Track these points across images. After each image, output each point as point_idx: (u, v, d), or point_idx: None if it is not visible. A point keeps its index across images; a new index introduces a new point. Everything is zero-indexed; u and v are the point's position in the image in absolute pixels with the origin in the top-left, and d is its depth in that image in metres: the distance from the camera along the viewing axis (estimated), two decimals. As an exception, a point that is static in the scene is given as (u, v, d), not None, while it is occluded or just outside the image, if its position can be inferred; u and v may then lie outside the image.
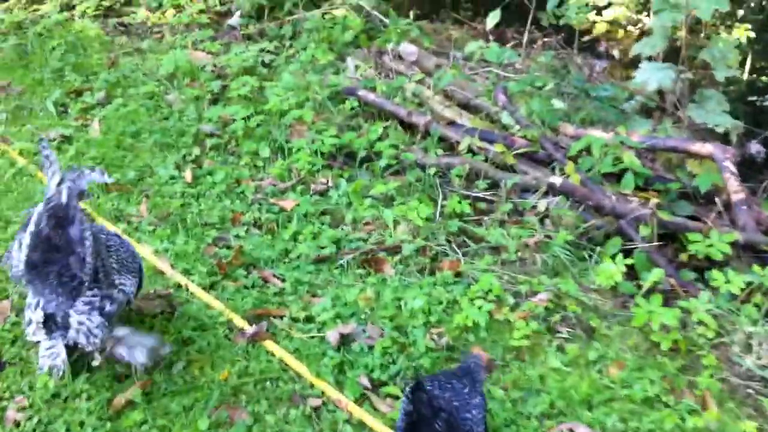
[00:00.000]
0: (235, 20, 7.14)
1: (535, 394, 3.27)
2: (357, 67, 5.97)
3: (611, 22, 8.42)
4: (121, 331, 3.25)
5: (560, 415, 3.17)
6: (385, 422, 3.06)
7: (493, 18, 6.46)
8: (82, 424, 3.05)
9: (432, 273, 4.03)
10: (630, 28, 8.46)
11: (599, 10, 8.27)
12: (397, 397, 3.22)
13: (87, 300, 3.08)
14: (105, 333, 3.09)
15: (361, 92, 5.48)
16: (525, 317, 3.65)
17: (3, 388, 3.22)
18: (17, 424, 3.05)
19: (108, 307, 3.14)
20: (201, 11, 7.15)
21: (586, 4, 6.88)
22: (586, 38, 7.85)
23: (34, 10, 7.15)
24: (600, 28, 8.33)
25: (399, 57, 6.02)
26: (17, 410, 3.10)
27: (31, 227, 2.98)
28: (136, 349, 3.21)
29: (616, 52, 8.08)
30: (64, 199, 3.01)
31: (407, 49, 5.69)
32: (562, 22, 6.77)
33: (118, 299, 3.19)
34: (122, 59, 6.27)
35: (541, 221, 4.43)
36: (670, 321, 3.50)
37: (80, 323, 3.05)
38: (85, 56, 6.18)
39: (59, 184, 3.09)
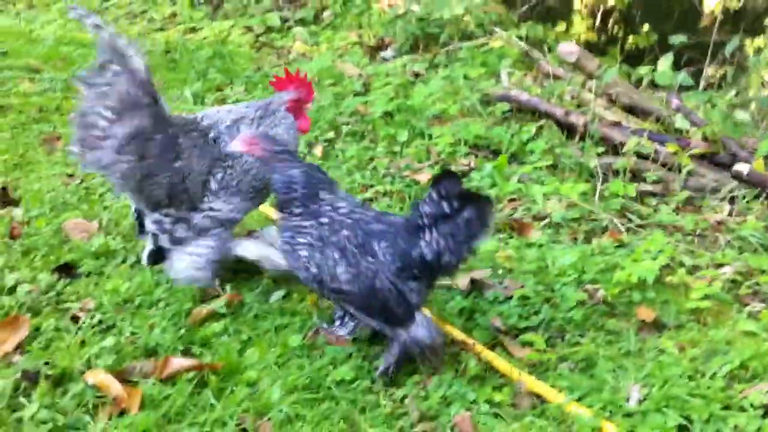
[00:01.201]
0: (389, 53, 6.95)
1: (721, 354, 2.47)
2: (510, 74, 5.52)
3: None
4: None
5: (755, 378, 2.37)
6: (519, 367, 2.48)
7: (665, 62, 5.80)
8: (151, 326, 2.57)
9: (588, 241, 3.35)
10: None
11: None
12: (537, 349, 2.59)
13: (156, 218, 2.80)
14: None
15: (514, 92, 4.99)
16: (707, 282, 2.88)
17: (72, 292, 2.81)
18: (75, 320, 2.63)
19: (178, 233, 2.77)
20: (355, 44, 7.03)
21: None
22: None
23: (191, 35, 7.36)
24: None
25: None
26: (80, 310, 2.69)
27: None
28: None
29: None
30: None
31: (567, 48, 5.16)
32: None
33: (200, 225, 2.79)
34: (267, 67, 6.19)
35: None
36: None
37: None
38: (231, 63, 6.15)
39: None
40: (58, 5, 8.36)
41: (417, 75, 5.88)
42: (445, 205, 2.28)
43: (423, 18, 7.10)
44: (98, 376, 2.28)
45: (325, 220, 2.40)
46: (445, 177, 2.31)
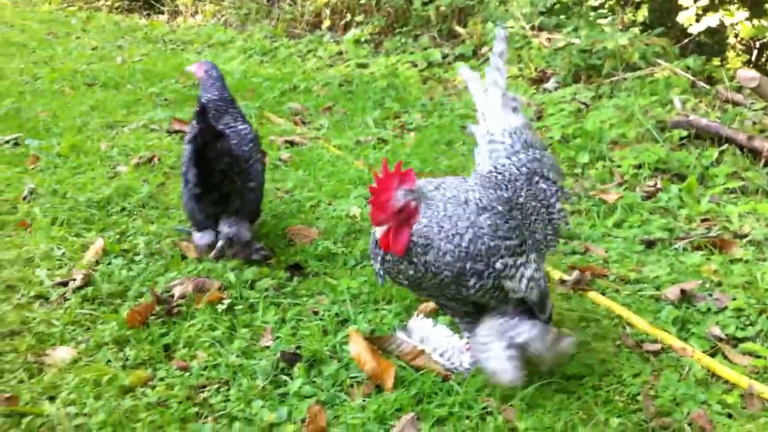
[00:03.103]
0: (551, 84, 7.06)
1: None
2: (684, 101, 5.50)
3: None
4: None
5: None
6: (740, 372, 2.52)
7: None
8: (382, 319, 2.77)
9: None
10: None
11: None
12: (758, 356, 2.61)
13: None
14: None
15: (693, 117, 4.98)
16: None
17: (304, 288, 3.06)
18: (315, 313, 2.86)
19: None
20: (516, 76, 7.19)
21: None
22: None
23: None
24: None
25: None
26: (316, 304, 2.91)
27: None
28: None
29: None
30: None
31: (747, 74, 5.09)
32: None
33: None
34: (438, 97, 6.44)
35: None
36: None
37: None
38: (404, 93, 6.45)
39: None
40: (237, 44, 9.02)
41: (584, 104, 5.96)
42: None
43: (585, 50, 7.19)
44: (357, 346, 2.50)
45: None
46: None
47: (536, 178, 2.55)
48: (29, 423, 2.23)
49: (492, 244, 2.19)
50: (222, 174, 3.05)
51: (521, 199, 2.45)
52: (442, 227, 2.17)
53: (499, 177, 2.47)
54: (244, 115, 3.51)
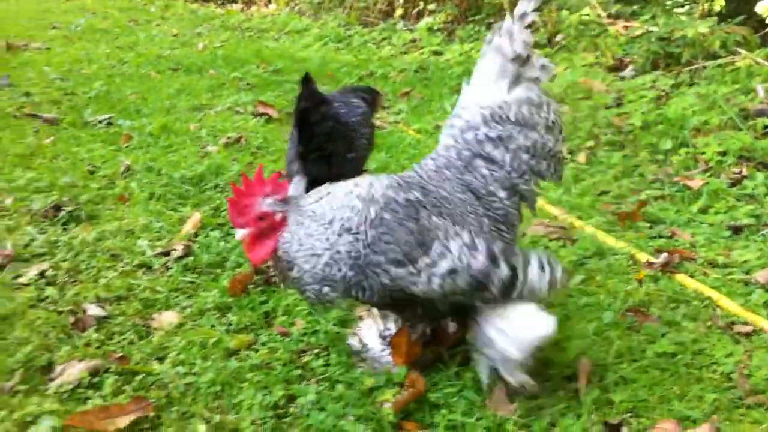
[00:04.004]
0: (628, 72, 6.99)
1: None
2: (767, 91, 5.39)
3: None
4: None
5: None
6: None
7: None
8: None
9: None
10: None
11: None
12: None
13: None
14: None
15: (780, 106, 4.89)
16: None
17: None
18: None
19: None
20: (593, 64, 7.13)
21: None
22: None
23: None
24: None
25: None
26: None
27: None
28: None
29: None
30: None
31: (840, 61, 5.00)
32: None
33: None
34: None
35: None
36: None
37: None
38: (481, 80, 6.50)
39: None
40: (312, 32, 9.17)
41: (664, 92, 5.89)
42: None
43: (664, 38, 7.10)
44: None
45: None
46: None
47: (478, 162, 2.34)
48: (141, 381, 2.37)
49: (350, 272, 2.13)
50: (326, 137, 3.20)
51: (444, 192, 2.27)
52: (301, 245, 2.13)
53: (413, 177, 2.33)
54: (366, 97, 3.67)
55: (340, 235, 2.12)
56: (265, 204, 2.14)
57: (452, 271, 2.12)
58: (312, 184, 3.12)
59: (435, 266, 2.11)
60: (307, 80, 3.15)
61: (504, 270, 2.14)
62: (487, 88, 2.38)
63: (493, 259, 2.14)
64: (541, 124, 2.37)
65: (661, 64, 7.13)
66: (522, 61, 2.36)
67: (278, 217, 2.16)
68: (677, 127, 4.87)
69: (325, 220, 2.14)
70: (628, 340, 2.56)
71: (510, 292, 2.16)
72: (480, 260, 2.13)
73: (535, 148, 2.36)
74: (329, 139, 3.23)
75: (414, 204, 2.19)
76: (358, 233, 2.13)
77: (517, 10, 2.41)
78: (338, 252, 2.12)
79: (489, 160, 2.34)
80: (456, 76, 6.57)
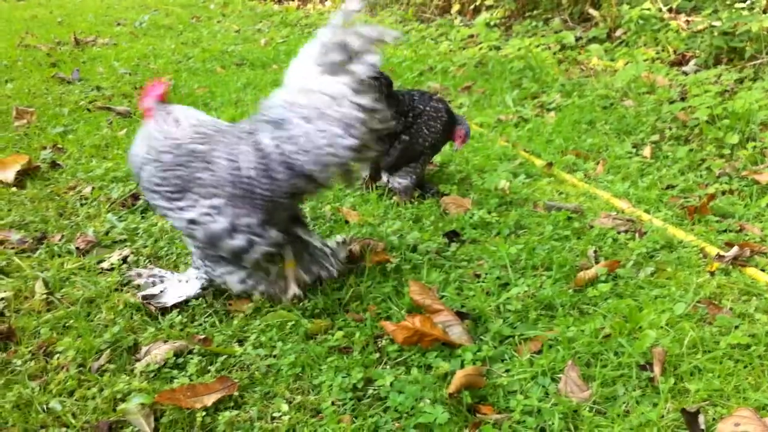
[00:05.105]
0: (690, 67, 6.90)
1: None
2: (840, 85, 5.29)
3: None
4: None
5: None
6: None
7: None
8: (541, 285, 2.88)
9: None
10: None
11: None
12: None
13: None
14: None
15: None
16: None
17: (463, 253, 3.18)
18: (477, 276, 2.96)
19: None
20: (654, 59, 7.06)
21: None
22: None
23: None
24: None
25: None
26: (477, 267, 3.03)
27: None
28: None
29: None
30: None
31: None
32: None
33: None
34: (575, 78, 6.44)
35: None
36: None
37: None
38: (541, 74, 6.49)
39: None
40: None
41: (729, 87, 5.82)
42: None
43: (728, 32, 6.99)
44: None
45: None
46: None
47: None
48: (224, 362, 2.46)
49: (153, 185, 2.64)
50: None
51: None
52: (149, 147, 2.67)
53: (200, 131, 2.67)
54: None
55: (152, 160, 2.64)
56: (146, 102, 2.74)
57: (193, 222, 2.59)
58: None
59: (186, 211, 2.59)
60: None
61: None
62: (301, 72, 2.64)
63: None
64: (333, 117, 2.48)
65: (724, 59, 7.03)
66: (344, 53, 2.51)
67: (148, 112, 2.73)
68: (744, 122, 4.82)
69: (161, 129, 2.65)
70: (700, 332, 2.57)
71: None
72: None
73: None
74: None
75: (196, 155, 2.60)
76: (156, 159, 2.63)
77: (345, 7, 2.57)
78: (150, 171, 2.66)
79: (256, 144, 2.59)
80: (516, 71, 6.58)
